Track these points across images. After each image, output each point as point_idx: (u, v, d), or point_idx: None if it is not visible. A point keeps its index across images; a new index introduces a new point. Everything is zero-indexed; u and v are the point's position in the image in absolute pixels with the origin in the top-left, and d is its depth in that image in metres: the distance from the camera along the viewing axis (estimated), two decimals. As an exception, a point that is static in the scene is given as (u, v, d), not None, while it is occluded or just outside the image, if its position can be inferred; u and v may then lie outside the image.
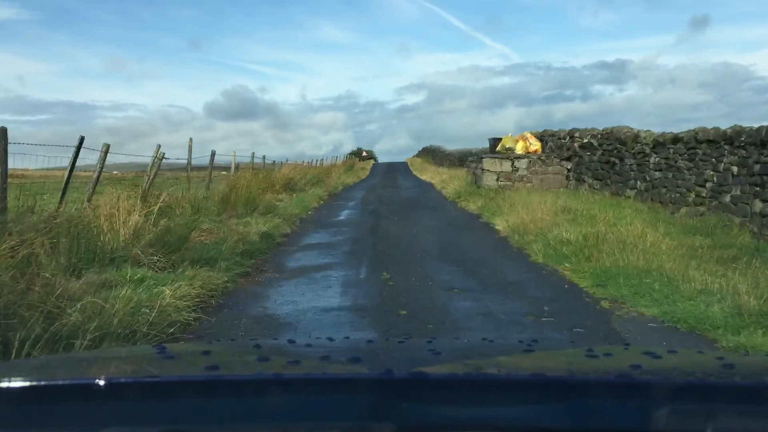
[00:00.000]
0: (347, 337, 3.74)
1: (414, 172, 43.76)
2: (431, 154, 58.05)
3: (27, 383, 1.03)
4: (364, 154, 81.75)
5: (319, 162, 46.94)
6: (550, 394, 0.98)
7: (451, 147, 52.45)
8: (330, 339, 1.94)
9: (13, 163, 7.32)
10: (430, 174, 35.05)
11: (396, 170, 48.31)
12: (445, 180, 24.83)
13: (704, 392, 1.04)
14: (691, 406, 0.95)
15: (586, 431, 0.90)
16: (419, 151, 73.31)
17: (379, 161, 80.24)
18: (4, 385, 1.00)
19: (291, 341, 1.85)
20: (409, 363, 1.35)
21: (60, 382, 1.04)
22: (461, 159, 40.27)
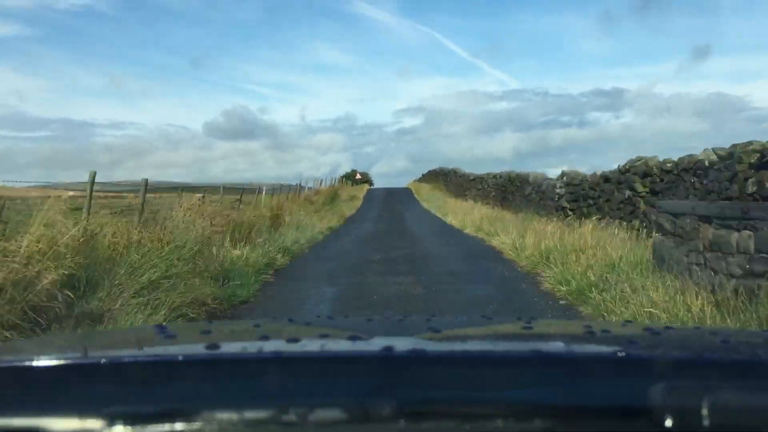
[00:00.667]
0: (347, 316, 4.34)
1: (425, 205, 30.45)
2: (443, 179, 43.30)
3: (26, 363, 1.03)
4: (358, 176, 70.46)
5: (295, 188, 29.51)
6: (549, 370, 0.99)
7: (466, 170, 38.11)
8: (329, 317, 2.33)
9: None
10: (464, 216, 19.48)
11: (399, 201, 35.00)
12: (547, 254, 8.97)
13: (701, 368, 1.04)
14: (689, 381, 0.95)
15: (585, 407, 0.90)
16: (425, 175, 58.62)
17: (376, 186, 69.06)
18: (4, 365, 1.04)
19: (291, 320, 1.79)
20: (409, 340, 1.35)
21: (59, 362, 1.04)
22: (505, 189, 24.63)
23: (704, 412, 0.85)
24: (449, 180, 40.50)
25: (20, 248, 5.47)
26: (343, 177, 68.19)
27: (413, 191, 45.30)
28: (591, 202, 14.69)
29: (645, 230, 9.86)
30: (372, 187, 62.53)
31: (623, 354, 1.10)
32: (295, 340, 1.25)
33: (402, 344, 1.19)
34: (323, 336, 1.34)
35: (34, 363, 1.01)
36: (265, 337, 1.27)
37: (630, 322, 4.15)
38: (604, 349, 1.26)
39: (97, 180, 8.79)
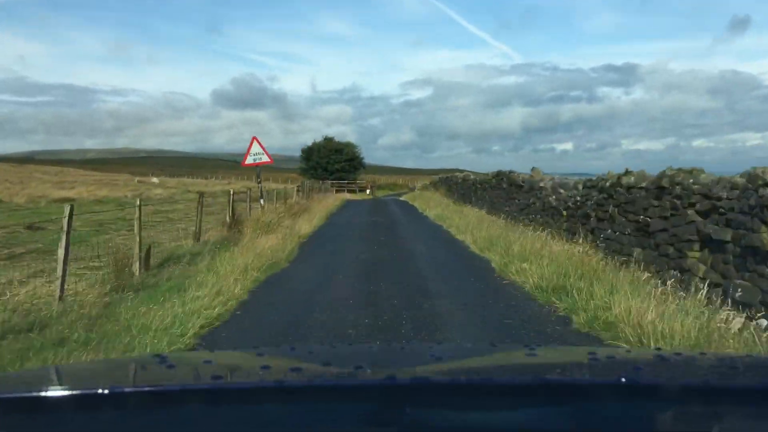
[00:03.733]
0: (350, 344, 4.29)
1: None
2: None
3: (30, 394, 1.02)
4: (258, 161, 19.04)
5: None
6: (554, 397, 0.95)
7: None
8: (332, 346, 2.28)
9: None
10: None
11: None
12: None
13: (708, 394, 1.00)
14: (696, 408, 0.93)
15: None
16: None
17: (365, 198, 40.72)
18: (8, 395, 1.01)
19: (293, 348, 1.80)
20: (411, 368, 1.30)
21: (62, 393, 1.03)
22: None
23: None
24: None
25: None
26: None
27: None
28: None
29: None
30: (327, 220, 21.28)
31: (629, 380, 1.07)
32: (297, 369, 1.23)
33: (404, 373, 1.18)
34: (325, 364, 1.31)
35: (38, 394, 1.00)
36: (266, 367, 1.26)
37: (632, 348, 4.12)
38: (609, 375, 1.23)
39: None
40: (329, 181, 46.16)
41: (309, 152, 48.61)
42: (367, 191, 49.39)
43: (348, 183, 50.49)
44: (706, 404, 0.95)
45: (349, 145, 52.55)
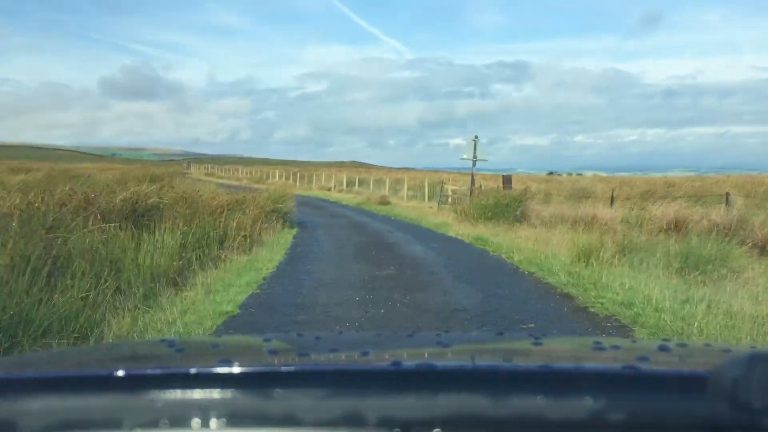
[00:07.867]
0: (357, 331, 4.45)
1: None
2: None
3: (36, 376, 1.02)
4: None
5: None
6: (558, 385, 0.97)
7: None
8: (339, 332, 2.35)
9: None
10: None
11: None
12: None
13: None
14: (699, 397, 0.92)
15: (594, 423, 0.87)
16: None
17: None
18: (13, 377, 1.02)
19: (300, 334, 1.74)
20: (417, 355, 1.33)
21: (67, 375, 1.04)
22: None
23: (716, 428, 0.84)
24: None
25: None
26: None
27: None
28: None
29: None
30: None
31: (633, 370, 1.08)
32: (305, 355, 1.26)
33: (410, 359, 1.20)
34: (332, 350, 1.33)
35: (43, 376, 1.01)
36: (274, 352, 1.28)
37: (638, 339, 4.26)
38: (615, 364, 1.24)
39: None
40: None
41: None
42: None
43: None
44: (710, 394, 0.94)
45: None
